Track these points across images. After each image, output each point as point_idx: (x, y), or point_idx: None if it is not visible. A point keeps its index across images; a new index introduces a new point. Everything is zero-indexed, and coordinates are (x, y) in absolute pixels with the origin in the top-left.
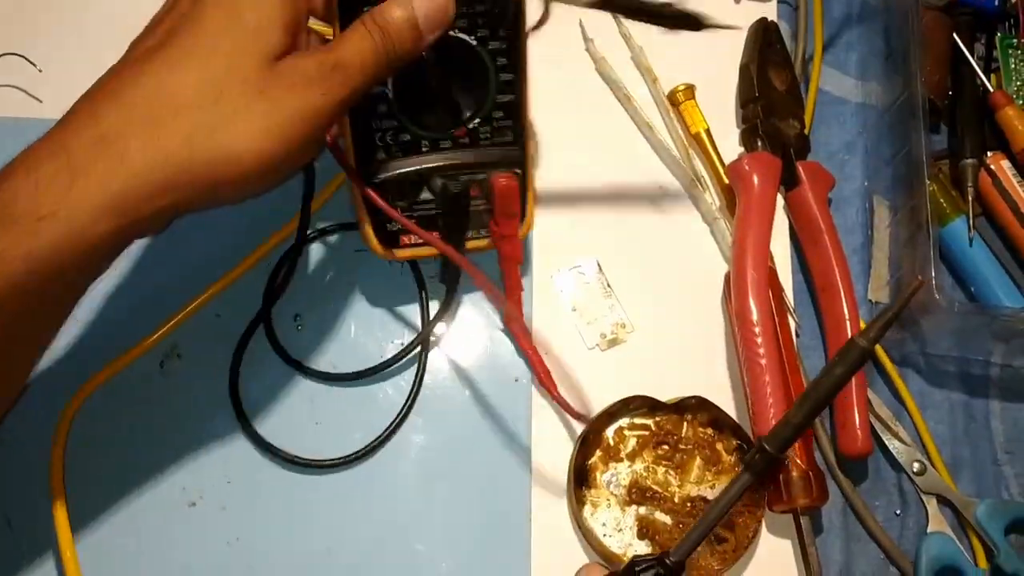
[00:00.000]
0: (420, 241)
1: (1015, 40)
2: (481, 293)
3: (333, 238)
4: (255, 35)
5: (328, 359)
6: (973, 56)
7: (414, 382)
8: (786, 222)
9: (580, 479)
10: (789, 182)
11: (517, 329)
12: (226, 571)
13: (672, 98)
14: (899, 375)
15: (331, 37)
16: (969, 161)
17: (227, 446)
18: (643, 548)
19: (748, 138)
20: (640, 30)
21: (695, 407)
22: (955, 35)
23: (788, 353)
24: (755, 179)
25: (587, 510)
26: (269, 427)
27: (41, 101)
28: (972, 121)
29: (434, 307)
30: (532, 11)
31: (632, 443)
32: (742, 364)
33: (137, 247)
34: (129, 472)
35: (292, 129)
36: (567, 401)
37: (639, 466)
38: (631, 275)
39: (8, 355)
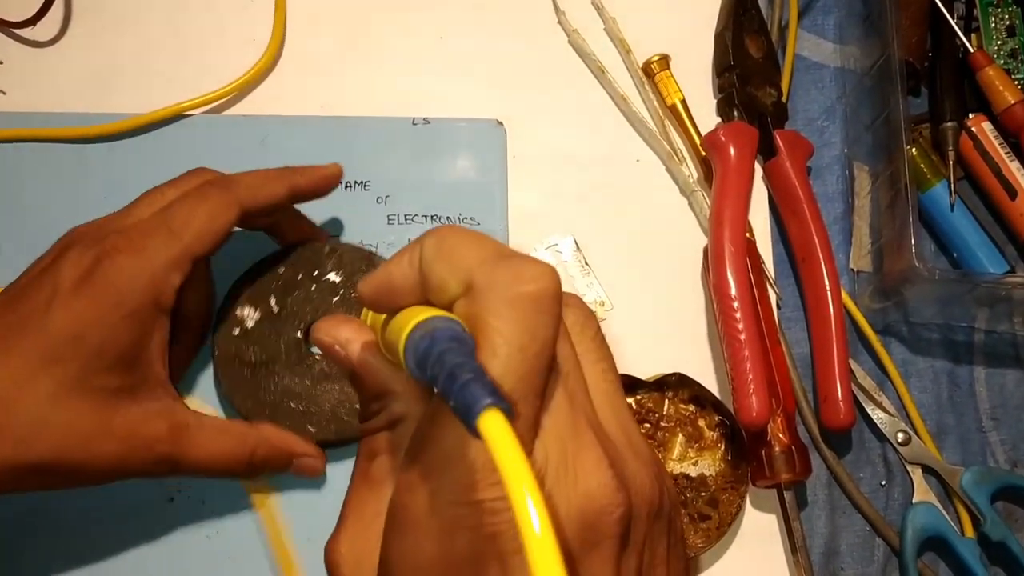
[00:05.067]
0: None
1: None
2: None
3: None
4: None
5: None
6: (952, 16)
7: None
8: (765, 193)
9: None
10: (767, 152)
11: None
12: (206, 565)
13: (647, 69)
14: (882, 344)
15: None
16: (949, 124)
17: None
18: None
19: (724, 108)
20: (613, 1)
21: (676, 384)
22: None
23: (768, 326)
24: (731, 150)
25: None
26: None
27: (5, 93)
28: (952, 83)
29: None
30: None
31: None
32: (722, 339)
33: None
34: None
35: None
36: None
37: None
38: (609, 252)
39: None
